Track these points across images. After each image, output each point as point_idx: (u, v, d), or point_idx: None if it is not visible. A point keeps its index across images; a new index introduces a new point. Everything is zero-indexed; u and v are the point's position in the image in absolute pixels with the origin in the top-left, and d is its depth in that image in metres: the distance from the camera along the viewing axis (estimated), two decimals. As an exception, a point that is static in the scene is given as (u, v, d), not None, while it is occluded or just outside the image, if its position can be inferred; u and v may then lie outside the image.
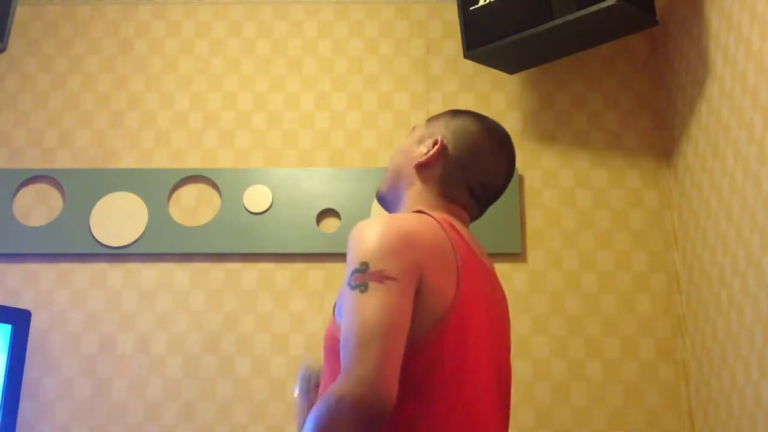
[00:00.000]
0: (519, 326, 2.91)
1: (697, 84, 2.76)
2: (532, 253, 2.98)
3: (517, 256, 2.97)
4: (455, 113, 1.71)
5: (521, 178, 3.05)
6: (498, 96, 3.15)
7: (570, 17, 2.60)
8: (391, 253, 1.41)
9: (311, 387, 1.73)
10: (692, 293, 2.82)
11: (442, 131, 1.68)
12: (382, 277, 1.38)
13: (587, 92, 3.15)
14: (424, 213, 1.56)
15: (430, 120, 1.73)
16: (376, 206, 2.99)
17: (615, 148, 3.09)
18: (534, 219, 3.02)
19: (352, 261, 1.43)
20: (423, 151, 1.67)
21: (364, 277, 1.39)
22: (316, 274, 2.97)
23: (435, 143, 1.66)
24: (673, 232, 2.99)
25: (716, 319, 2.61)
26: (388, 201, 1.73)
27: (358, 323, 1.34)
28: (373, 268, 1.39)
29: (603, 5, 2.53)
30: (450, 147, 1.65)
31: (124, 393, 2.86)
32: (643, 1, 2.63)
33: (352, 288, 1.39)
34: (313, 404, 1.71)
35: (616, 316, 2.91)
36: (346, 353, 1.33)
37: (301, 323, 2.92)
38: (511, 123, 3.12)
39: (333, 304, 1.60)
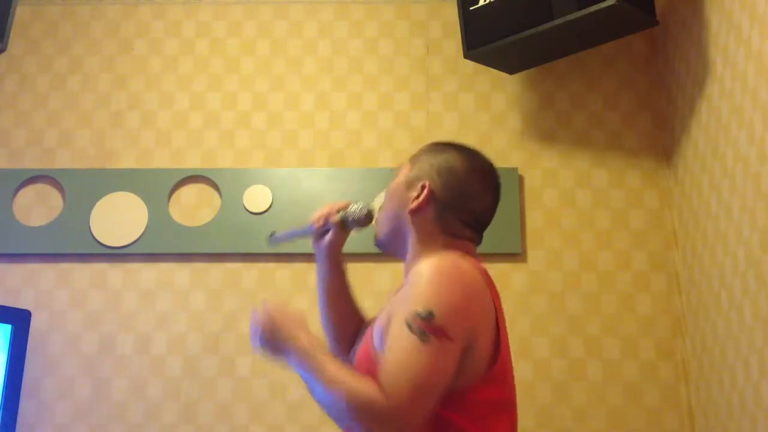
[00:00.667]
0: (519, 326, 2.91)
1: (697, 84, 2.76)
2: (532, 253, 2.98)
3: (517, 256, 2.97)
4: (437, 149, 1.77)
5: (521, 178, 3.05)
6: (498, 96, 3.15)
7: (570, 17, 2.60)
8: (456, 314, 1.51)
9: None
10: (692, 293, 2.82)
11: (427, 172, 1.73)
12: (442, 335, 1.47)
13: (587, 92, 3.15)
14: (460, 256, 1.63)
15: (413, 159, 1.78)
16: (376, 205, 2.99)
17: (615, 148, 3.09)
18: (534, 219, 3.02)
19: (418, 301, 1.50)
20: (413, 195, 1.72)
21: (427, 326, 1.47)
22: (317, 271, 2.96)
23: (423, 187, 1.71)
24: (673, 232, 2.99)
25: (716, 319, 2.61)
26: (389, 246, 1.79)
27: (413, 369, 1.45)
28: (437, 320, 1.48)
29: (603, 5, 2.53)
30: (439, 188, 1.71)
31: (124, 393, 2.86)
32: (643, 1, 2.63)
33: (412, 331, 1.47)
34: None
35: (616, 316, 2.91)
36: (393, 380, 1.45)
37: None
38: (511, 123, 3.12)
39: (369, 324, 1.70)
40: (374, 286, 2.94)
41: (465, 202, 1.71)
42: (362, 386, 1.46)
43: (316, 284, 1.95)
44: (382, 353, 1.51)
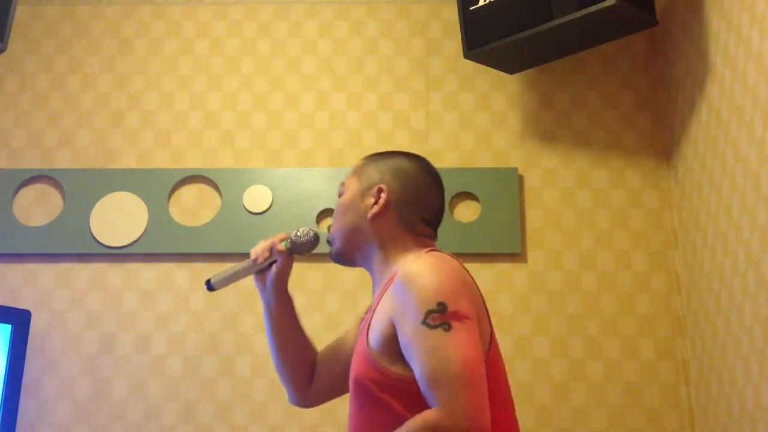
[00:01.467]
0: (519, 326, 2.91)
1: (697, 84, 2.76)
2: (532, 253, 2.98)
3: (517, 256, 2.97)
4: (381, 157, 1.80)
5: (521, 178, 3.05)
6: (498, 96, 3.15)
7: (570, 17, 2.60)
8: (461, 293, 1.53)
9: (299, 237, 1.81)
10: (692, 293, 2.82)
11: (380, 178, 1.75)
12: (461, 317, 1.49)
13: (587, 92, 3.15)
14: (438, 251, 1.67)
15: (357, 172, 1.79)
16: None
17: (615, 148, 3.09)
18: (534, 219, 3.02)
19: (424, 301, 1.50)
20: (371, 202, 1.74)
21: (444, 317, 1.48)
22: (316, 274, 2.97)
23: (380, 191, 1.73)
24: (673, 232, 2.99)
25: (716, 319, 2.61)
26: (349, 257, 1.78)
27: (455, 360, 1.44)
28: (451, 308, 1.49)
29: (603, 5, 2.53)
30: (396, 191, 1.73)
31: (124, 393, 2.86)
32: (643, 1, 2.63)
33: (432, 327, 1.47)
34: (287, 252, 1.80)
35: (616, 316, 2.91)
36: (444, 390, 1.43)
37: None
38: (511, 123, 3.12)
39: (361, 341, 1.67)
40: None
41: (421, 198, 1.74)
42: (417, 420, 1.43)
43: (263, 316, 1.89)
44: (401, 365, 1.52)
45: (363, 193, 1.76)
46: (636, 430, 2.81)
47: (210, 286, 1.82)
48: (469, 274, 1.63)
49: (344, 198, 1.79)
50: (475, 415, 1.41)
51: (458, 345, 1.45)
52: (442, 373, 1.43)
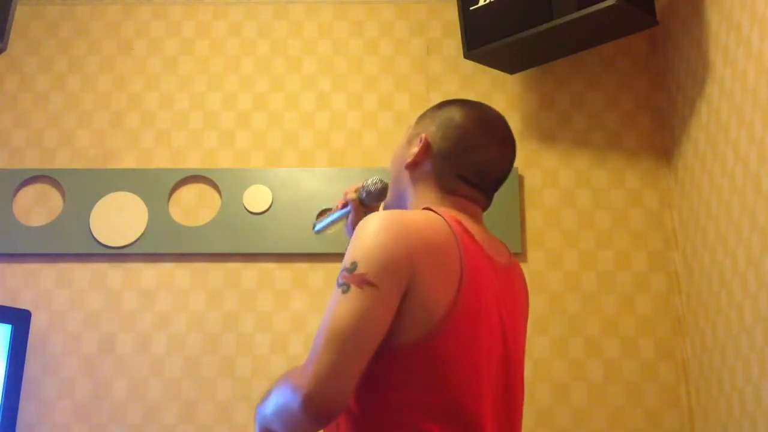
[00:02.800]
0: (519, 326, 2.91)
1: (697, 84, 2.76)
2: (532, 253, 2.98)
3: (517, 256, 2.97)
4: (442, 105, 1.69)
5: (521, 178, 3.05)
6: (498, 96, 3.15)
7: (570, 17, 2.60)
8: (380, 256, 1.40)
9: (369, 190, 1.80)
10: (692, 293, 2.82)
11: (427, 127, 1.66)
12: (363, 282, 1.38)
13: (587, 92, 3.16)
14: (432, 210, 1.54)
15: (420, 117, 1.72)
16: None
17: (615, 148, 3.09)
18: (534, 219, 3.02)
19: (348, 257, 1.43)
20: (414, 150, 1.65)
21: (349, 277, 1.39)
22: (316, 274, 2.97)
23: (421, 140, 1.64)
24: (673, 232, 2.99)
25: (716, 319, 2.61)
26: (394, 208, 1.71)
27: (328, 324, 1.37)
28: (360, 269, 1.40)
29: (603, 5, 2.53)
30: (436, 141, 1.63)
31: (124, 393, 2.86)
32: (643, 1, 2.63)
33: (338, 286, 1.40)
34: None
35: (616, 316, 2.91)
36: (312, 348, 1.37)
37: (301, 323, 2.92)
38: (511, 123, 3.12)
39: None
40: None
41: (464, 153, 1.61)
42: (284, 380, 1.40)
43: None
44: None
45: (410, 141, 1.69)
46: (636, 430, 2.81)
47: (317, 231, 1.91)
48: (460, 241, 1.48)
49: (399, 145, 1.73)
50: (321, 382, 1.32)
51: (341, 310, 1.36)
52: (317, 335, 1.37)
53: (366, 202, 1.81)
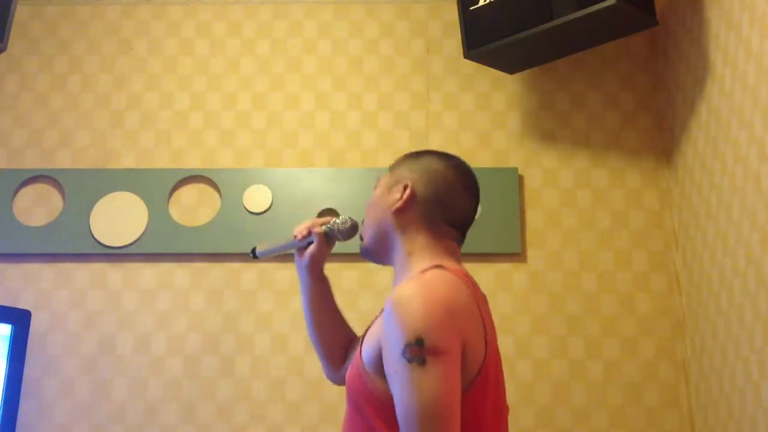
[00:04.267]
0: (519, 326, 2.91)
1: (697, 84, 2.76)
2: (532, 253, 2.98)
3: (517, 256, 2.97)
4: (416, 155, 1.79)
5: (521, 178, 3.05)
6: (498, 96, 3.15)
7: (570, 17, 2.60)
8: (442, 326, 1.49)
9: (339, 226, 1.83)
10: (692, 293, 2.82)
11: (407, 175, 1.75)
12: (437, 352, 1.46)
13: (587, 92, 3.15)
14: (442, 268, 1.62)
15: (392, 168, 1.80)
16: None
17: (615, 148, 3.09)
18: (534, 219, 3.02)
19: (405, 333, 1.48)
20: (396, 197, 1.73)
21: (421, 351, 1.46)
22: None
23: (405, 187, 1.72)
24: (673, 232, 2.99)
25: (716, 319, 2.61)
26: (374, 253, 1.79)
27: (425, 399, 1.43)
28: (428, 343, 1.47)
29: (603, 5, 2.53)
30: (421, 187, 1.72)
31: (124, 393, 2.86)
32: (643, 1, 2.63)
33: (409, 361, 1.46)
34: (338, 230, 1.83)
35: (616, 316, 2.91)
36: (414, 427, 1.43)
37: (301, 323, 2.92)
38: (511, 123, 3.12)
39: (357, 348, 1.69)
40: (375, 287, 2.94)
41: (448, 199, 1.72)
42: None
43: (301, 302, 1.93)
44: (383, 380, 1.52)
45: (390, 188, 1.76)
46: (636, 430, 2.81)
47: (254, 255, 1.90)
48: (473, 290, 1.61)
49: (375, 192, 1.80)
50: None
51: (430, 382, 1.44)
52: (413, 411, 1.43)
53: (333, 238, 1.85)
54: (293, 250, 1.90)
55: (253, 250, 1.92)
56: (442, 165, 1.75)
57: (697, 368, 2.78)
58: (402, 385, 1.46)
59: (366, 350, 1.60)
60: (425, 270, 1.61)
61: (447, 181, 1.73)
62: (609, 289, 2.94)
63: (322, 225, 1.84)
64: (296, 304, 2.94)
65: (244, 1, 3.26)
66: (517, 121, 3.12)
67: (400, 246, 1.71)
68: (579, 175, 3.06)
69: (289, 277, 2.97)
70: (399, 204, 1.71)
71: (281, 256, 2.97)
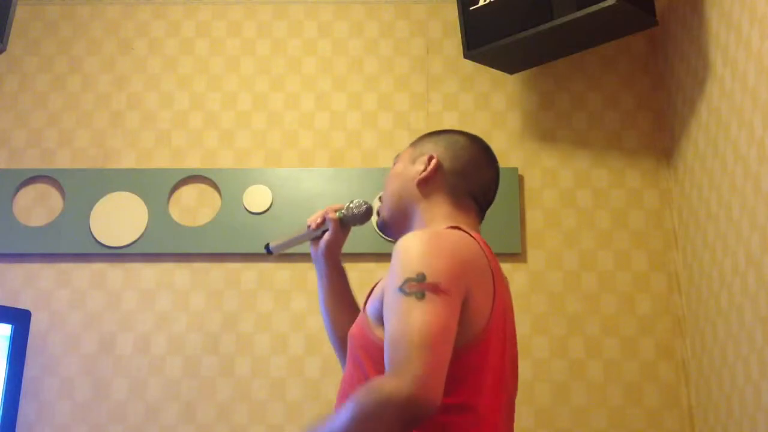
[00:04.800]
0: (519, 326, 2.90)
1: (697, 84, 2.76)
2: (532, 253, 2.98)
3: (517, 256, 2.97)
4: (437, 133, 1.80)
5: (521, 178, 3.05)
6: (498, 96, 3.15)
7: (570, 17, 2.60)
8: (446, 269, 1.47)
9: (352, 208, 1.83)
10: (692, 293, 2.82)
11: (431, 148, 1.76)
12: (438, 290, 1.44)
13: (587, 92, 3.16)
14: (459, 229, 1.62)
15: (414, 144, 1.80)
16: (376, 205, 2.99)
17: (615, 148, 3.09)
18: (534, 219, 3.02)
19: (406, 269, 1.47)
20: (420, 168, 1.73)
21: (420, 286, 1.44)
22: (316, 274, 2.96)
23: (430, 159, 1.73)
24: (673, 232, 2.99)
25: (716, 319, 2.61)
26: (393, 225, 1.77)
27: (416, 327, 1.39)
28: (429, 279, 1.45)
29: (603, 5, 2.53)
30: (446, 160, 1.73)
31: (124, 393, 2.86)
32: (643, 1, 2.63)
33: (407, 294, 1.44)
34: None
35: (616, 316, 2.91)
36: (399, 353, 1.38)
37: (301, 323, 2.92)
38: (511, 123, 3.12)
39: (363, 303, 1.67)
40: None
41: (473, 173, 1.73)
42: (367, 390, 1.37)
43: (317, 288, 1.93)
44: (383, 329, 1.47)
45: (414, 160, 1.76)
46: (636, 430, 2.81)
47: (269, 250, 1.88)
48: (487, 257, 1.58)
49: (396, 166, 1.79)
50: (423, 383, 1.33)
51: (425, 314, 1.40)
52: (402, 338, 1.39)
53: (348, 224, 1.83)
54: (308, 243, 1.88)
55: (267, 246, 1.89)
56: (466, 140, 1.77)
57: (697, 368, 2.78)
58: (394, 317, 1.43)
59: (371, 302, 1.59)
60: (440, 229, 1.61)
61: (471, 155, 1.75)
62: (609, 289, 2.94)
63: (336, 211, 1.84)
64: (296, 304, 2.94)
65: (244, 1, 3.26)
66: (517, 121, 3.12)
67: (421, 216, 1.71)
68: (579, 175, 3.06)
69: (289, 277, 2.97)
70: (425, 174, 1.71)
71: (281, 256, 2.98)
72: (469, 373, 1.50)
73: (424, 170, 1.72)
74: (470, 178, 1.73)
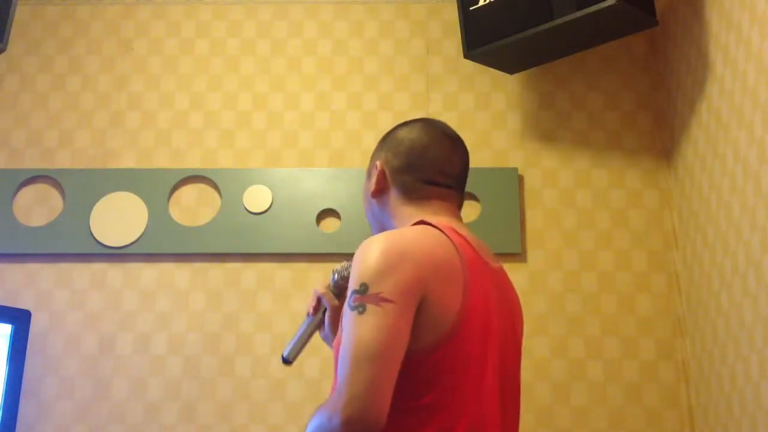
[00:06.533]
0: (519, 326, 2.91)
1: (697, 84, 2.76)
2: (532, 253, 2.98)
3: (517, 256, 2.97)
4: (385, 135, 1.77)
5: (521, 178, 3.05)
6: (498, 96, 3.15)
7: (570, 17, 2.60)
8: (390, 274, 1.45)
9: (338, 280, 1.78)
10: (692, 293, 2.82)
11: (377, 156, 1.75)
12: (379, 300, 1.42)
13: (587, 92, 3.16)
14: (426, 223, 1.59)
15: (372, 153, 1.80)
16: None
17: (615, 148, 3.09)
18: (534, 219, 3.02)
19: (353, 281, 1.47)
20: (372, 181, 1.73)
21: (363, 298, 1.43)
22: (316, 274, 2.97)
23: (375, 167, 1.72)
24: (673, 232, 2.99)
25: (716, 319, 2.61)
26: None
27: (354, 344, 1.40)
28: (371, 290, 1.44)
29: (603, 5, 2.53)
30: (391, 162, 1.71)
31: (124, 393, 2.86)
32: (643, 1, 2.63)
33: (351, 309, 1.44)
34: (341, 294, 1.78)
35: (616, 316, 2.91)
36: (341, 372, 1.39)
37: (301, 323, 2.91)
38: (511, 123, 3.12)
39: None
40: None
41: (419, 158, 1.69)
42: (316, 412, 1.41)
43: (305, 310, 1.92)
44: None
45: (370, 175, 1.76)
46: (636, 430, 2.81)
47: (286, 361, 1.80)
48: (458, 249, 1.53)
49: (364, 185, 1.81)
50: (362, 402, 1.34)
51: (364, 329, 1.40)
52: (344, 355, 1.40)
53: (342, 289, 1.78)
54: (316, 330, 1.82)
55: (283, 358, 1.82)
56: (404, 130, 1.73)
57: (697, 368, 2.78)
58: (343, 331, 1.44)
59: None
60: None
61: (410, 142, 1.70)
62: (609, 289, 2.94)
63: (326, 287, 1.80)
64: (296, 304, 2.94)
65: (244, 1, 3.26)
66: (517, 121, 3.12)
67: (392, 225, 1.70)
68: (579, 175, 3.06)
69: (289, 277, 2.97)
70: (374, 187, 1.71)
71: (282, 261, 2.98)
72: (443, 372, 1.47)
73: (374, 182, 1.71)
74: (416, 166, 1.68)
